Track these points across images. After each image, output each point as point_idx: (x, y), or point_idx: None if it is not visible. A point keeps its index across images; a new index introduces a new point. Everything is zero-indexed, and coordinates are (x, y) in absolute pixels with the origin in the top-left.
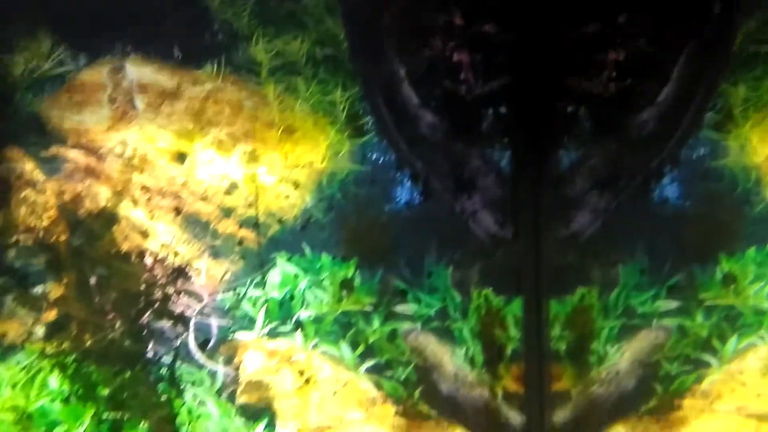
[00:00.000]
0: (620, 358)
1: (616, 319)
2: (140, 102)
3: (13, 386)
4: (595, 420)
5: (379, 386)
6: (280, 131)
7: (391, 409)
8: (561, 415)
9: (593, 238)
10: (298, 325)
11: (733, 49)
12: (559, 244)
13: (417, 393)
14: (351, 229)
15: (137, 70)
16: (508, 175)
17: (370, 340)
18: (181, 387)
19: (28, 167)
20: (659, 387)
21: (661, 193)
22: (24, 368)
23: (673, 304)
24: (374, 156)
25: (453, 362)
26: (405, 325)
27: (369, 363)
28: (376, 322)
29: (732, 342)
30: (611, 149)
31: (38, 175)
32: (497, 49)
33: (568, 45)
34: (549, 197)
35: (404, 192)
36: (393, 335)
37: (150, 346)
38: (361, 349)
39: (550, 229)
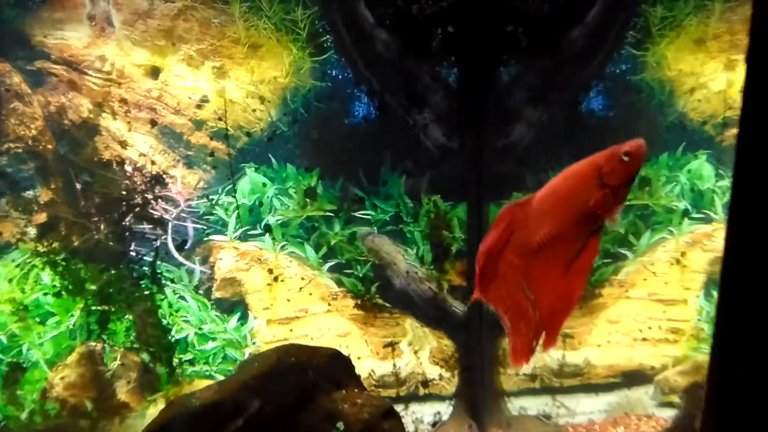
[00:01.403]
0: None
1: None
2: (117, 20)
3: (9, 281)
4: None
5: (340, 283)
6: (245, 48)
7: (351, 302)
8: None
9: (528, 148)
10: (267, 229)
11: None
12: (498, 153)
13: (373, 288)
14: (313, 141)
15: None
16: (455, 91)
17: (332, 242)
18: (162, 283)
19: (16, 80)
20: None
21: (588, 105)
22: (18, 265)
23: None
24: (334, 73)
25: (405, 261)
26: (363, 229)
27: (331, 262)
28: (337, 226)
29: (645, 237)
30: (545, 65)
31: (25, 88)
32: None
33: None
34: (491, 111)
35: (362, 107)
36: (352, 238)
37: (132, 246)
38: (324, 250)
39: (492, 140)
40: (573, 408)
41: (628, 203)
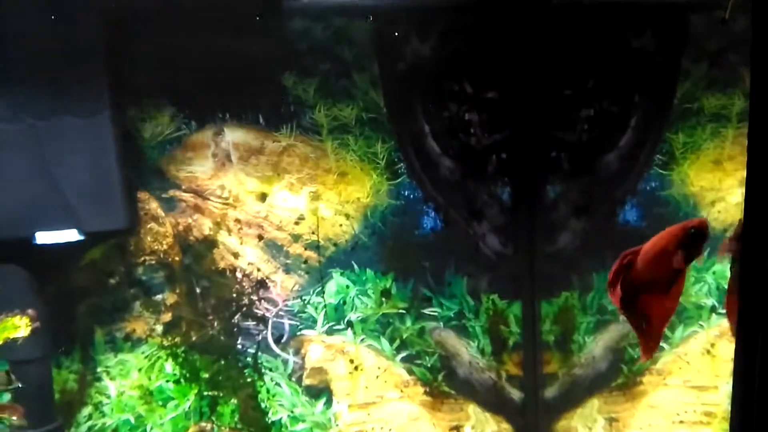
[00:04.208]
0: (595, 346)
1: (592, 315)
2: (234, 156)
3: (139, 370)
4: (577, 395)
5: (410, 372)
6: (335, 175)
7: (420, 389)
8: (551, 392)
9: (573, 253)
10: (349, 324)
11: (674, 106)
12: (548, 258)
13: (440, 377)
14: (389, 249)
15: (232, 133)
16: (509, 206)
17: (404, 336)
18: (262, 372)
19: (153, 206)
20: (625, 368)
21: (624, 216)
22: (147, 356)
23: None
24: (406, 193)
25: (468, 352)
26: (431, 324)
27: (403, 353)
28: (408, 322)
29: (679, 330)
30: (585, 184)
31: (160, 212)
32: (498, 110)
33: (552, 106)
34: (540, 222)
35: (429, 220)
36: (422, 332)
37: (239, 340)
38: (397, 342)
39: (541, 246)
40: None
41: None
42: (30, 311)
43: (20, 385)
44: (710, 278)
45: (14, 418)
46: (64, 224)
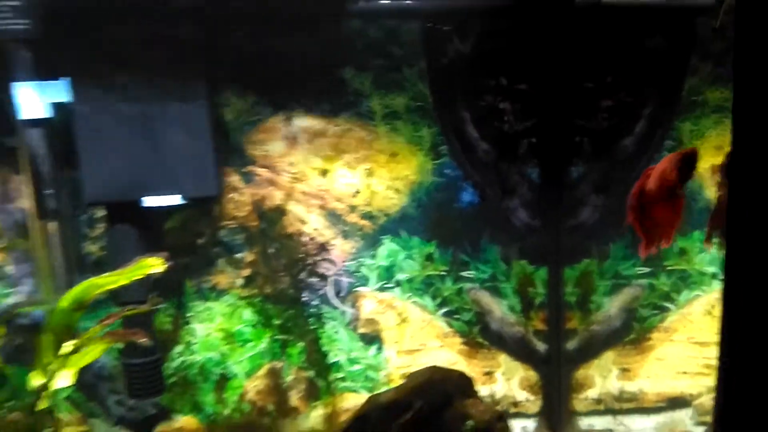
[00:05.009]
0: (611, 306)
1: (608, 280)
2: (301, 138)
3: (222, 316)
4: (594, 348)
5: (450, 325)
6: (387, 155)
7: (458, 340)
8: (571, 345)
9: (593, 226)
10: (397, 283)
11: (682, 99)
12: (570, 230)
13: (475, 330)
14: (432, 220)
15: (300, 119)
16: (537, 184)
17: (445, 294)
18: (324, 321)
19: (234, 178)
20: (636, 325)
21: None
22: (229, 305)
23: (646, 270)
24: (448, 172)
25: (500, 309)
26: (468, 285)
27: (443, 309)
28: (448, 282)
29: (684, 294)
30: (604, 165)
31: (240, 184)
32: (529, 101)
33: (575, 97)
34: (564, 199)
35: (467, 196)
36: (460, 291)
37: (304, 293)
38: (438, 300)
39: (565, 220)
40: (629, 425)
41: (671, 268)
42: (163, 253)
43: (163, 306)
44: (713, 249)
45: (143, 340)
46: (168, 191)
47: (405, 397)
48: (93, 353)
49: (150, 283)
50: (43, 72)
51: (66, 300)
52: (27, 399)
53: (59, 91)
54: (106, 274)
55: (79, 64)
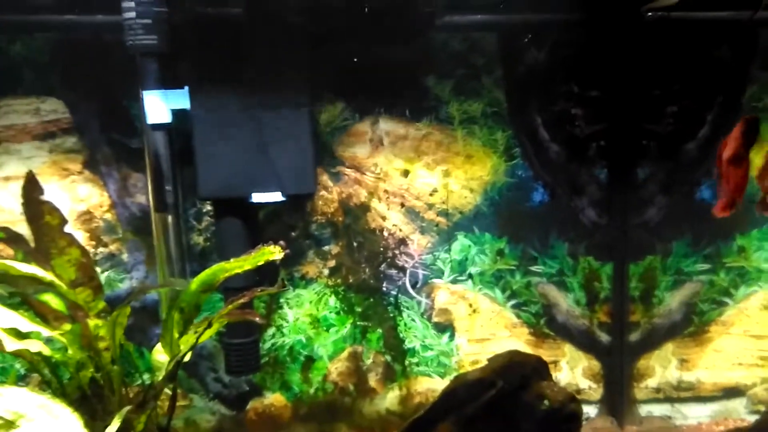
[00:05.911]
0: (672, 301)
1: (671, 276)
2: (385, 141)
3: (310, 302)
4: (655, 340)
5: (518, 316)
6: (463, 157)
7: (526, 330)
8: (634, 337)
9: (658, 224)
10: (470, 276)
11: (743, 105)
12: (636, 228)
13: (542, 321)
14: (504, 218)
15: (385, 123)
16: (605, 185)
17: (514, 287)
18: (401, 309)
19: (324, 177)
20: (696, 319)
21: (700, 195)
22: (316, 292)
23: (706, 266)
24: (520, 173)
25: (566, 302)
26: (536, 279)
27: (512, 301)
28: (518, 276)
29: (742, 290)
30: (670, 167)
31: (329, 183)
32: (599, 106)
33: (643, 103)
34: (631, 198)
35: (538, 195)
36: (528, 284)
37: (384, 284)
38: (507, 292)
39: (631, 218)
40: (686, 413)
41: (729, 265)
42: (281, 242)
43: (289, 288)
44: None
45: (257, 319)
46: (272, 188)
47: (489, 377)
48: (210, 331)
49: (251, 271)
50: (167, 82)
51: (196, 282)
52: (143, 374)
53: (180, 99)
54: (233, 259)
55: (198, 75)
